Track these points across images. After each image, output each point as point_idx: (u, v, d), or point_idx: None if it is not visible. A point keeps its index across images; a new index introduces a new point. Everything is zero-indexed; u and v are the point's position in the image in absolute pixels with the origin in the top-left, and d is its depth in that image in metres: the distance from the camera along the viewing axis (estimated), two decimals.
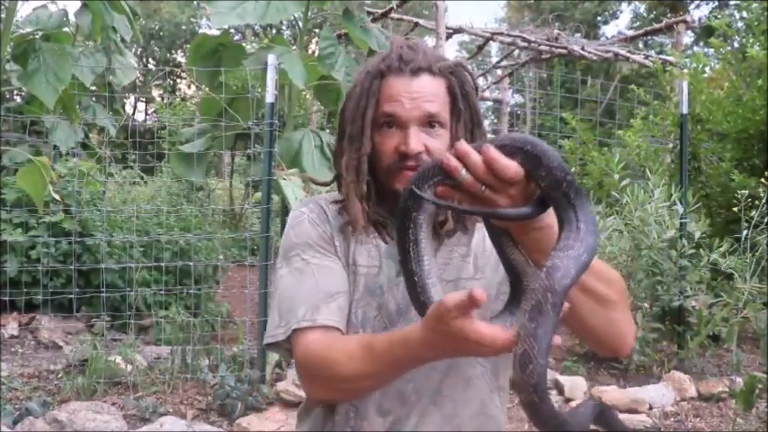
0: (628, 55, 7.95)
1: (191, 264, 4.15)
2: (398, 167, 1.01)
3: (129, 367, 3.63)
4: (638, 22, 18.99)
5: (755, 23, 5.31)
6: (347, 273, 1.05)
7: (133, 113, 17.20)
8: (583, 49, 7.77)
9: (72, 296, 3.89)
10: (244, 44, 5.48)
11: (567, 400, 3.66)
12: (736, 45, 5.88)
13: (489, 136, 1.10)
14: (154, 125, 10.02)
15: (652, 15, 18.44)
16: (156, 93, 17.81)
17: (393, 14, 7.19)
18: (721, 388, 3.75)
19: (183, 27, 20.57)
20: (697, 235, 4.21)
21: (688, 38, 12.99)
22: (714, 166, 5.21)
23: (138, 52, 19.69)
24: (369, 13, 6.18)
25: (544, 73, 11.14)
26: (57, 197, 3.38)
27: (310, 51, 5.18)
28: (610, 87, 11.28)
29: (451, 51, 22.87)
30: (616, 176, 4.46)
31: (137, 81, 12.33)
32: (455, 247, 1.08)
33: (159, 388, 3.54)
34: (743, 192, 4.01)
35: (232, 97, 4.29)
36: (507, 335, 0.71)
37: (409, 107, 1.01)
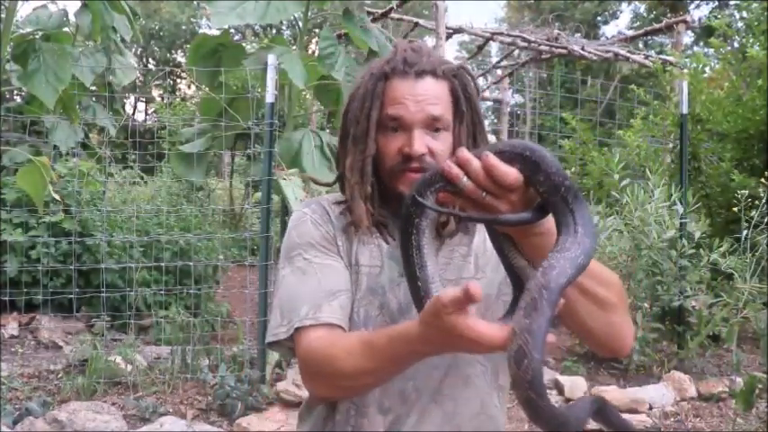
0: (628, 55, 7.95)
1: (191, 264, 4.15)
2: (402, 169, 1.02)
3: (129, 367, 3.63)
4: (638, 22, 18.99)
5: (755, 23, 5.31)
6: (350, 272, 1.05)
7: (133, 113, 17.20)
8: (583, 49, 7.77)
9: (72, 296, 3.89)
10: (244, 44, 5.49)
11: (567, 401, 3.66)
12: (736, 45, 5.88)
13: (490, 136, 1.11)
14: (154, 125, 10.02)
15: (652, 15, 18.44)
16: (156, 93, 17.81)
17: (393, 14, 7.19)
18: (721, 388, 3.75)
19: (183, 27, 20.56)
20: (697, 235, 4.21)
21: (688, 38, 13.00)
22: (714, 166, 5.21)
23: (138, 52, 19.69)
24: (369, 13, 6.18)
25: (544, 73, 11.14)
26: (57, 197, 3.38)
27: (310, 51, 5.18)
28: (610, 87, 11.28)
29: (451, 51, 22.88)
30: (616, 176, 4.46)
31: (137, 81, 12.33)
32: (456, 248, 1.09)
33: (159, 388, 3.54)
34: (743, 192, 4.01)
35: (232, 97, 4.29)
36: (503, 332, 0.71)
37: (413, 110, 1.01)
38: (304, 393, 3.17)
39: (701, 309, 4.16)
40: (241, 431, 3.11)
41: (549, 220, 0.80)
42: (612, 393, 3.57)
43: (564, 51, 7.81)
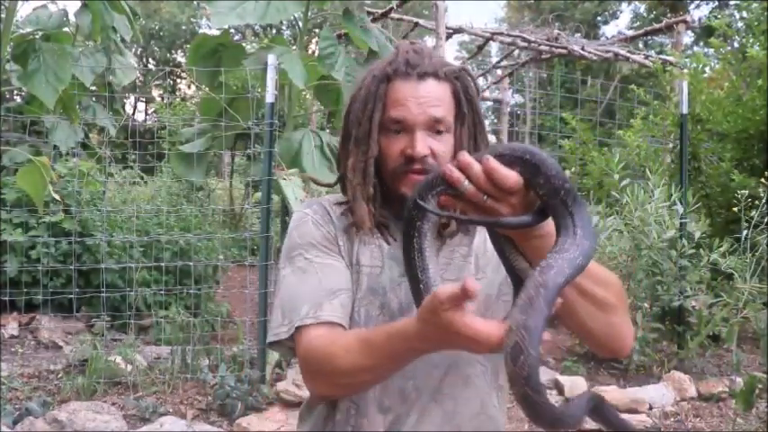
0: (628, 55, 7.95)
1: (191, 264, 4.15)
2: (404, 170, 1.03)
3: (129, 367, 3.63)
4: (638, 22, 18.99)
5: (755, 23, 5.31)
6: (350, 272, 1.06)
7: (133, 113, 17.20)
8: (583, 49, 7.77)
9: (72, 296, 3.89)
10: (244, 44, 5.49)
11: (567, 401, 3.67)
12: (736, 45, 5.88)
13: (490, 136, 1.11)
14: (154, 125, 10.02)
15: (652, 15, 18.44)
16: (156, 93, 17.81)
17: (393, 14, 7.19)
18: (721, 388, 3.75)
19: (183, 27, 20.56)
20: (697, 235, 4.21)
21: (688, 38, 13.00)
22: (714, 166, 5.21)
23: (138, 52, 19.68)
24: (369, 13, 6.18)
25: (544, 73, 11.14)
26: (57, 197, 3.38)
27: (310, 51, 5.18)
28: (610, 87, 11.28)
29: (451, 51, 22.88)
30: (616, 176, 4.46)
31: (137, 81, 12.33)
32: (457, 248, 1.09)
33: (159, 388, 3.54)
34: (743, 192, 4.01)
35: (232, 97, 4.29)
36: (500, 330, 0.70)
37: (416, 112, 1.02)
38: (304, 393, 3.17)
39: (701, 309, 4.16)
40: (241, 431, 3.11)
41: (550, 223, 0.80)
42: (612, 393, 3.57)
43: (564, 51, 7.81)
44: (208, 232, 5.50)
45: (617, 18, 23.54)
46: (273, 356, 3.70)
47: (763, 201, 3.96)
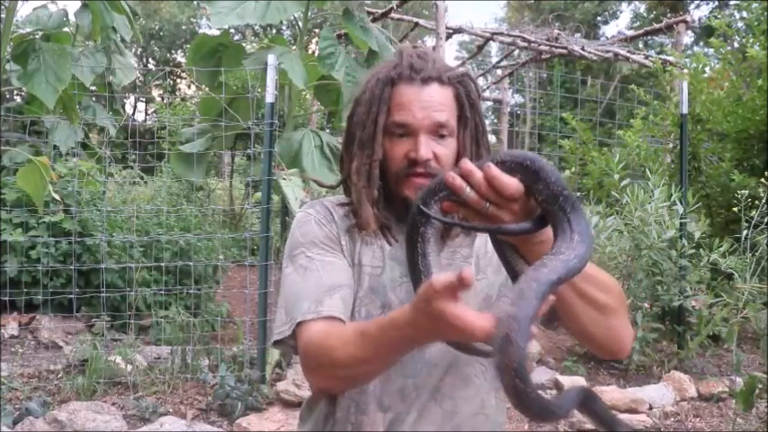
0: (628, 55, 7.95)
1: (191, 264, 4.15)
2: (407, 174, 1.04)
3: (129, 367, 3.63)
4: (638, 22, 18.99)
5: (755, 23, 5.31)
6: (352, 271, 1.07)
7: (133, 113, 17.20)
8: (583, 49, 7.77)
9: (72, 296, 3.89)
10: (244, 44, 5.48)
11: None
12: (736, 45, 5.88)
13: (490, 137, 1.12)
14: (154, 125, 10.01)
15: (652, 15, 18.45)
16: (156, 93, 17.80)
17: (393, 14, 7.19)
18: (721, 388, 3.75)
19: (183, 27, 20.55)
20: (697, 235, 4.20)
21: (688, 38, 13.00)
22: (714, 166, 5.21)
23: (138, 52, 19.67)
24: (369, 13, 6.18)
25: (544, 73, 11.14)
26: (57, 197, 3.38)
27: (310, 51, 5.17)
28: (610, 87, 11.29)
29: (451, 51, 22.87)
30: (616, 176, 4.46)
31: (137, 81, 12.33)
32: (458, 249, 1.11)
33: (159, 388, 3.54)
34: (743, 192, 4.01)
35: (232, 97, 4.29)
36: (490, 323, 0.70)
37: (420, 116, 1.03)
38: (304, 393, 3.17)
39: (701, 309, 4.16)
40: (241, 431, 3.11)
41: (550, 230, 0.81)
42: (612, 393, 3.57)
43: (564, 51, 7.81)
44: (208, 232, 5.50)
45: (617, 18, 23.55)
46: (273, 356, 3.70)
47: (763, 201, 3.96)
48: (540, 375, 3.89)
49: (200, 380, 3.61)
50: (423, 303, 0.75)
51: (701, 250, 4.12)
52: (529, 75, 10.50)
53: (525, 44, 7.86)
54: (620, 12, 21.96)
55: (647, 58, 8.24)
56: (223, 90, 4.11)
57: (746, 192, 4.04)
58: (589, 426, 3.33)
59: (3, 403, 3.14)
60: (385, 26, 6.83)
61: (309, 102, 7.06)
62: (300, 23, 4.26)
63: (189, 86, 17.27)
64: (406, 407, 1.05)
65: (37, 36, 3.82)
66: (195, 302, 4.43)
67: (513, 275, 0.88)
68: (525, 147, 10.74)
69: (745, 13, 5.90)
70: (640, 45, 15.60)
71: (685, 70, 5.60)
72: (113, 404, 3.29)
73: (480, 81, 9.96)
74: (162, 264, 4.20)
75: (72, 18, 4.65)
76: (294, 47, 4.41)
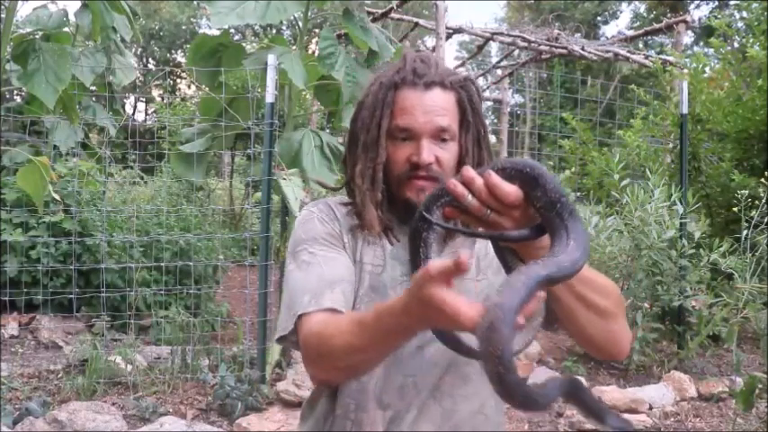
0: (628, 55, 7.95)
1: (191, 264, 4.15)
2: (409, 176, 1.06)
3: (129, 367, 3.63)
4: (638, 22, 19.00)
5: (755, 23, 5.31)
6: (354, 269, 1.08)
7: (133, 113, 17.20)
8: (583, 49, 7.77)
9: (72, 296, 3.89)
10: (244, 44, 5.48)
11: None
12: (736, 45, 5.87)
13: (491, 137, 1.13)
14: (154, 125, 10.01)
15: (652, 15, 18.45)
16: (156, 93, 17.80)
17: (393, 14, 7.19)
18: (721, 388, 3.75)
19: (183, 27, 20.55)
20: (697, 235, 4.20)
21: (688, 38, 13.00)
22: (714, 166, 5.21)
23: (138, 52, 19.67)
24: (369, 13, 6.18)
25: (544, 73, 11.15)
26: (57, 197, 3.38)
27: (310, 51, 5.17)
28: (610, 87, 11.29)
29: (451, 51, 22.87)
30: (616, 176, 4.46)
31: (137, 81, 12.33)
32: (458, 250, 1.11)
33: (159, 388, 3.54)
34: (743, 192, 4.01)
35: (232, 97, 4.28)
36: (477, 312, 0.69)
37: (422, 121, 1.05)
38: (304, 393, 3.17)
39: (701, 309, 4.16)
40: (241, 431, 3.11)
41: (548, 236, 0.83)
42: (612, 393, 3.57)
43: (564, 51, 7.82)
44: (208, 232, 5.50)
45: (617, 18, 23.56)
46: (273, 356, 3.70)
47: (763, 201, 3.96)
48: (540, 375, 3.89)
49: (200, 380, 3.61)
50: (416, 288, 0.75)
51: (701, 250, 4.12)
52: (529, 75, 10.50)
53: (525, 44, 7.87)
54: (620, 12, 21.97)
55: (647, 58, 8.24)
56: (223, 90, 4.11)
57: (746, 192, 4.04)
58: (589, 426, 3.33)
59: (3, 403, 3.14)
60: (385, 26, 6.83)
61: (309, 102, 7.05)
62: (300, 23, 4.26)
63: (189, 86, 17.27)
64: (405, 405, 1.06)
65: (37, 36, 3.81)
66: (195, 302, 4.43)
67: None
68: (525, 147, 10.74)
69: (745, 13, 5.90)
70: (640, 45, 15.61)
71: (685, 70, 5.60)
72: (113, 404, 3.30)
73: (480, 81, 9.97)
74: (162, 264, 4.20)
75: (72, 18, 4.65)
76: (294, 47, 4.40)
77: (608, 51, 7.89)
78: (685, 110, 4.62)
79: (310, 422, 1.14)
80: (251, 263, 4.00)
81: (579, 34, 11.90)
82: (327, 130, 5.98)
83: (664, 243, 4.08)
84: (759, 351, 4.44)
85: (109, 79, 5.01)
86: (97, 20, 3.71)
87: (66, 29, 4.66)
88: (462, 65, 11.34)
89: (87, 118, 4.87)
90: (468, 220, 0.85)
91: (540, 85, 11.97)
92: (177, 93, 17.81)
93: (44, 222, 4.35)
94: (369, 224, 1.08)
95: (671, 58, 6.81)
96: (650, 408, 3.57)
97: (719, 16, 6.76)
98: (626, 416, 3.51)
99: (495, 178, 0.79)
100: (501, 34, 8.02)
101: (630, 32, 10.94)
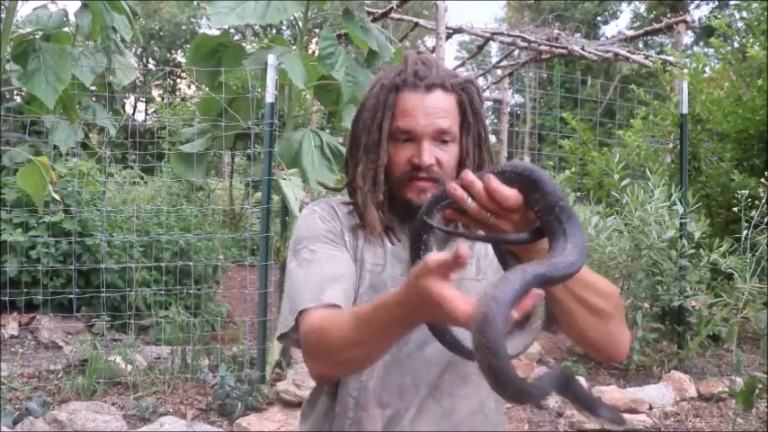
0: (628, 55, 7.95)
1: (191, 264, 4.15)
2: (410, 178, 1.07)
3: (129, 367, 3.63)
4: (638, 22, 19.01)
5: (755, 23, 5.31)
6: (355, 267, 1.09)
7: (133, 113, 17.20)
8: (583, 49, 7.77)
9: (72, 296, 3.89)
10: (244, 44, 5.48)
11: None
12: (736, 45, 5.87)
13: (491, 138, 1.14)
14: (154, 125, 10.01)
15: (652, 15, 18.46)
16: (156, 93, 17.80)
17: (393, 14, 7.19)
18: (721, 388, 3.75)
19: (183, 27, 20.55)
20: (697, 235, 4.20)
21: (688, 38, 13.00)
22: (714, 166, 5.21)
23: (138, 52, 19.67)
24: (369, 13, 6.18)
25: (544, 73, 11.15)
26: (57, 197, 3.38)
27: (310, 51, 5.16)
28: (610, 87, 11.30)
29: (451, 51, 22.87)
30: (616, 176, 4.46)
31: (137, 81, 12.33)
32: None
33: (159, 388, 3.54)
34: (743, 192, 4.01)
35: (232, 97, 4.28)
36: (472, 307, 0.69)
37: (423, 123, 1.06)
38: (304, 393, 3.17)
39: (701, 309, 4.16)
40: (241, 431, 3.11)
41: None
42: (612, 393, 3.57)
43: (564, 51, 7.81)
44: (208, 232, 5.50)
45: (617, 18, 23.56)
46: (273, 356, 3.70)
47: (763, 201, 3.96)
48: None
49: (200, 380, 3.61)
50: (413, 280, 0.75)
51: (701, 250, 4.12)
52: (529, 75, 10.50)
53: (525, 44, 7.87)
54: (620, 12, 21.98)
55: (647, 58, 8.24)
56: (223, 90, 4.11)
57: (746, 192, 4.04)
58: (589, 426, 3.33)
59: (3, 403, 3.14)
60: (385, 26, 6.83)
61: (309, 102, 7.05)
62: (300, 23, 4.26)
63: (189, 86, 17.27)
64: (404, 404, 1.06)
65: (37, 36, 3.81)
66: (195, 302, 4.44)
67: None
68: (525, 147, 10.75)
69: (745, 13, 5.90)
70: (640, 45, 15.61)
71: (685, 70, 5.60)
72: (113, 404, 3.30)
73: (480, 81, 9.97)
74: (162, 264, 4.20)
75: (72, 18, 4.65)
76: (294, 47, 4.40)
77: (608, 51, 7.89)
78: (685, 110, 4.62)
79: (311, 421, 1.14)
80: (251, 263, 4.00)
81: (579, 34, 11.90)
82: (327, 130, 5.98)
83: (664, 243, 4.08)
84: (759, 351, 4.44)
85: (109, 79, 5.01)
86: (97, 20, 3.71)
87: (66, 29, 4.66)
88: (462, 65, 11.35)
89: (87, 118, 4.87)
90: (468, 223, 0.85)
91: (540, 85, 11.97)
92: (177, 93, 17.82)
93: (44, 222, 4.35)
94: (370, 225, 1.09)
95: (671, 58, 6.81)
96: (650, 408, 3.57)
97: (719, 16, 6.76)
98: (626, 416, 3.51)
99: (495, 182, 0.80)
100: (501, 34, 8.02)
101: (630, 32, 10.95)
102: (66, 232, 4.27)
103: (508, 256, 0.90)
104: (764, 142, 5.05)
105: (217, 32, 4.17)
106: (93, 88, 5.10)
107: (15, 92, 6.12)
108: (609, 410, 0.86)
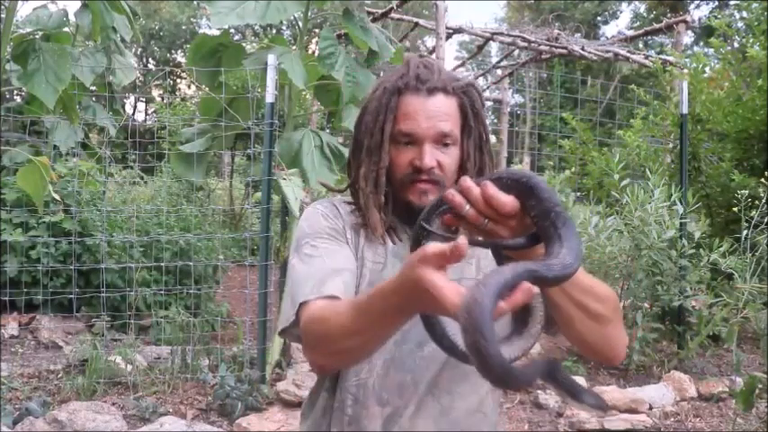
0: (628, 55, 7.95)
1: (191, 264, 4.15)
2: (411, 180, 1.09)
3: (129, 367, 3.63)
4: (638, 22, 19.01)
5: (755, 23, 5.31)
6: (356, 264, 1.10)
7: (133, 113, 17.21)
8: (583, 49, 7.77)
9: (72, 296, 3.89)
10: (244, 44, 5.47)
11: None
12: (736, 45, 5.87)
13: (492, 138, 1.14)
14: (154, 125, 10.01)
15: (652, 15, 18.46)
16: (156, 93, 17.81)
17: (393, 14, 7.19)
18: (721, 388, 3.75)
19: (183, 27, 20.55)
20: (697, 235, 4.20)
21: (688, 38, 13.00)
22: (714, 166, 5.21)
23: (138, 52, 19.68)
24: (369, 13, 6.18)
25: (544, 73, 11.15)
26: (57, 197, 3.38)
27: (310, 51, 5.16)
28: (610, 87, 11.30)
29: (451, 51, 22.87)
30: (616, 176, 4.46)
31: (137, 81, 12.32)
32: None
33: (159, 388, 3.54)
34: (743, 192, 4.01)
35: (232, 97, 4.28)
36: (460, 298, 0.69)
37: (425, 126, 1.07)
38: (304, 393, 3.17)
39: (701, 309, 4.16)
40: (241, 431, 3.11)
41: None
42: (612, 393, 3.57)
43: (564, 51, 7.81)
44: (208, 232, 5.50)
45: (617, 18, 23.57)
46: (273, 356, 3.70)
47: (763, 201, 3.96)
48: None
49: (200, 380, 3.61)
50: (408, 267, 0.75)
51: (701, 250, 4.12)
52: (529, 75, 10.50)
53: (525, 44, 7.86)
54: (620, 12, 21.99)
55: (647, 58, 8.24)
56: (223, 90, 4.11)
57: (746, 192, 4.04)
58: (589, 426, 3.33)
59: (3, 403, 3.14)
60: (385, 26, 6.83)
61: (309, 102, 7.05)
62: (300, 23, 4.25)
63: (189, 86, 17.28)
64: (404, 401, 1.07)
65: (37, 36, 3.81)
66: (195, 302, 4.44)
67: None
68: (525, 147, 10.75)
69: (745, 13, 5.90)
70: (640, 45, 15.61)
71: (685, 70, 5.60)
72: (113, 404, 3.30)
73: (480, 81, 9.97)
74: (162, 264, 4.20)
75: (72, 18, 4.64)
76: (294, 47, 4.40)
77: (608, 51, 7.89)
78: (685, 110, 4.62)
79: (310, 420, 1.15)
80: (251, 263, 4.00)
81: (579, 34, 11.90)
82: (327, 130, 5.98)
83: (664, 243, 4.08)
84: (759, 351, 4.44)
85: (109, 79, 5.01)
86: (97, 20, 3.71)
87: (66, 29, 4.66)
88: (462, 65, 11.34)
89: (87, 118, 4.87)
90: (466, 229, 0.87)
91: (540, 85, 11.98)
92: (177, 93, 17.82)
93: (44, 222, 4.35)
94: (372, 226, 1.11)
95: (671, 58, 6.81)
96: (650, 408, 3.57)
97: (719, 16, 6.76)
98: (626, 416, 3.51)
99: (492, 189, 0.81)
100: (501, 34, 8.02)
101: (630, 32, 10.94)
102: (66, 232, 4.27)
103: (506, 259, 0.91)
104: (764, 142, 5.05)
105: (217, 32, 4.17)
106: (93, 88, 5.10)
107: (15, 92, 6.12)
108: (592, 396, 0.87)
